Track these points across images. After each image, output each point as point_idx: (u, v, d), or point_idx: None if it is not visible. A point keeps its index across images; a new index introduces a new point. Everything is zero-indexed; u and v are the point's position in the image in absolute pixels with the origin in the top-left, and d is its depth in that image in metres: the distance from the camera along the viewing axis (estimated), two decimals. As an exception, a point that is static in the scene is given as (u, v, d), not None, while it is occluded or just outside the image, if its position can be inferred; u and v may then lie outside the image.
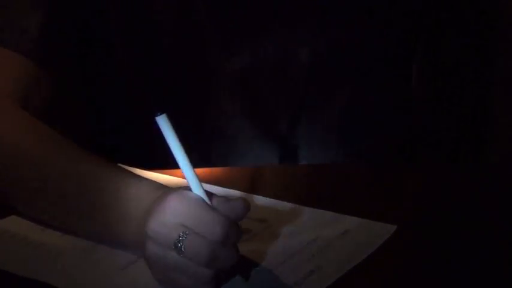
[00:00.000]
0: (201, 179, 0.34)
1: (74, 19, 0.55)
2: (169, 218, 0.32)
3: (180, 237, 0.31)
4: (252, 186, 0.49)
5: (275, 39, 0.59)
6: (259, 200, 0.47)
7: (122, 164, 0.48)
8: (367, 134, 0.64)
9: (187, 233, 0.31)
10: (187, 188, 0.34)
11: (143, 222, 0.33)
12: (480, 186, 0.52)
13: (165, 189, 0.35)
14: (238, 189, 0.48)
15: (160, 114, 0.33)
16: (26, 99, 0.51)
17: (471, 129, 0.79)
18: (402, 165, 0.64)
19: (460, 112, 0.82)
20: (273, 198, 0.47)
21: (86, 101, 0.64)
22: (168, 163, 0.38)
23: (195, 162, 0.35)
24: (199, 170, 0.51)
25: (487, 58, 0.86)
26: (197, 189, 0.34)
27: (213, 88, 0.59)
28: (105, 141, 0.63)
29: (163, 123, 0.33)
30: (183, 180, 0.36)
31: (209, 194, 0.34)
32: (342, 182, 0.53)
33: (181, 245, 0.31)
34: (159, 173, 0.49)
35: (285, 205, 0.46)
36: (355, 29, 0.61)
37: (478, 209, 0.47)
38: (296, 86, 0.61)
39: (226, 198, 0.34)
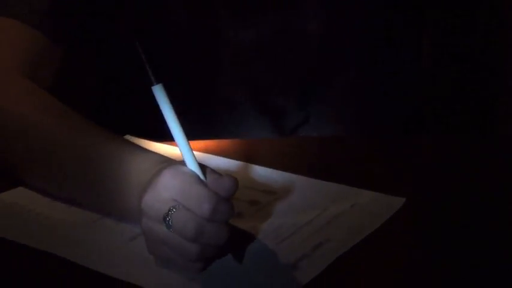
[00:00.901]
0: (206, 150, 0.34)
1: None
2: (161, 192, 0.32)
3: (169, 211, 0.31)
4: (260, 158, 0.49)
5: (284, 11, 0.58)
6: (267, 171, 0.47)
7: (131, 135, 0.48)
8: (376, 107, 0.64)
9: (176, 207, 0.31)
10: (184, 163, 0.34)
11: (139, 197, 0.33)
12: (489, 157, 0.52)
13: (164, 164, 0.35)
14: (245, 161, 0.48)
15: (157, 84, 0.33)
16: (35, 70, 0.51)
17: (481, 101, 0.78)
18: (411, 137, 0.64)
19: (469, 85, 0.81)
20: (282, 170, 0.47)
21: (94, 72, 0.64)
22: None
23: (200, 133, 0.34)
24: (205, 142, 0.51)
25: (495, 30, 0.85)
26: (191, 164, 0.33)
27: (223, 59, 0.59)
28: (114, 113, 0.63)
29: (159, 93, 0.33)
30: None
31: (204, 169, 0.34)
32: (351, 155, 0.52)
33: (169, 219, 0.31)
34: (168, 144, 0.49)
35: (293, 177, 0.46)
36: (364, 2, 0.60)
37: (487, 181, 0.46)
38: (306, 59, 0.60)
39: (219, 175, 0.33)
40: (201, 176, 0.33)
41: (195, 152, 0.34)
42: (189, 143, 0.34)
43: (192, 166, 0.33)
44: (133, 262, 0.35)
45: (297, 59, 0.60)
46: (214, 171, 0.34)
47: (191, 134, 0.34)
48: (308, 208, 0.41)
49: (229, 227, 0.32)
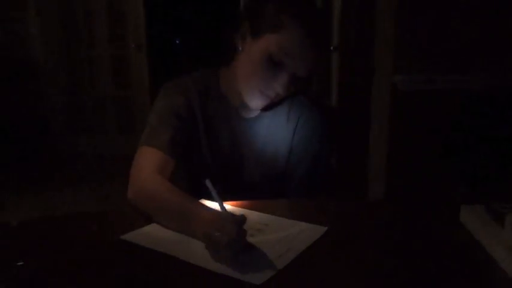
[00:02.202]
0: (232, 206, 0.85)
1: (184, 138, 1.09)
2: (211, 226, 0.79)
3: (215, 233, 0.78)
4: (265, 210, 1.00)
5: None
6: (264, 215, 0.97)
7: (204, 198, 0.99)
8: None
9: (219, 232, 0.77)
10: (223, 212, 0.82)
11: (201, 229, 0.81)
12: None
13: (211, 214, 0.84)
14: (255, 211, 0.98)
15: (206, 179, 0.84)
16: (162, 172, 1.03)
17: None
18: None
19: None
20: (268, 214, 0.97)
21: (187, 172, 1.19)
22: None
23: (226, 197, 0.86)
24: (232, 202, 1.01)
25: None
26: (224, 210, 0.83)
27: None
28: (196, 188, 1.12)
29: (209, 184, 0.84)
30: (227, 206, 0.87)
31: (230, 213, 0.82)
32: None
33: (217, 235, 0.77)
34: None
35: (272, 218, 0.95)
36: None
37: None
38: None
39: (238, 215, 0.80)
40: (230, 216, 0.82)
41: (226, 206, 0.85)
42: (223, 203, 0.84)
43: (225, 212, 0.83)
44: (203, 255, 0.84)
45: None
46: (235, 213, 0.83)
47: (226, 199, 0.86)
48: (280, 232, 0.89)
49: (244, 241, 0.79)
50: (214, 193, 0.84)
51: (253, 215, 0.96)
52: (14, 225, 0.92)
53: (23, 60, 3.77)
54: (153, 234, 0.90)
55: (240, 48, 1.08)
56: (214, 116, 1.14)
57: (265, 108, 1.12)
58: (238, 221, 0.78)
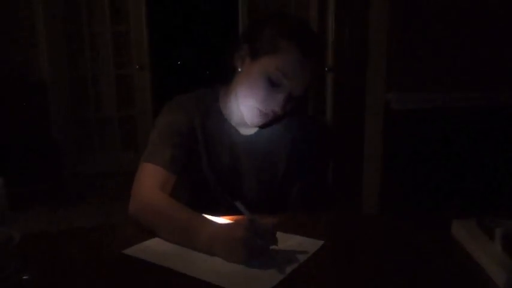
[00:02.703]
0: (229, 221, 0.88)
1: (184, 155, 1.13)
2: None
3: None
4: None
5: None
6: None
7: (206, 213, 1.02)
8: None
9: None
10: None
11: (209, 242, 0.86)
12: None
13: (219, 225, 0.89)
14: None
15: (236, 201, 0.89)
16: (164, 188, 1.07)
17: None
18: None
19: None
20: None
21: (187, 188, 1.22)
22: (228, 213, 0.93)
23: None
24: (228, 217, 1.04)
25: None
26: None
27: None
28: (196, 203, 1.15)
29: (239, 205, 0.88)
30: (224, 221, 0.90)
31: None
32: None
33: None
34: (222, 217, 1.03)
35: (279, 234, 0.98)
36: None
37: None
38: None
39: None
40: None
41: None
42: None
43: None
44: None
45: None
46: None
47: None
48: (283, 241, 0.91)
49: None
50: (246, 212, 0.90)
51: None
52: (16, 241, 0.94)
53: (28, 79, 3.83)
54: (154, 249, 0.92)
55: (240, 69, 1.13)
56: (214, 133, 1.18)
57: (264, 126, 1.16)
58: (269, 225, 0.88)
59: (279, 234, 0.96)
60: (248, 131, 1.20)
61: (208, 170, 1.17)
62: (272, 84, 1.06)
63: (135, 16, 4.20)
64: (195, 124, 1.16)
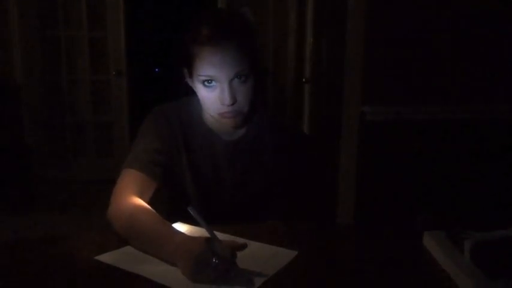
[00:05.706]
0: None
1: (164, 160, 1.14)
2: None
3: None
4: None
5: None
6: (237, 239, 0.99)
7: (180, 222, 1.01)
8: None
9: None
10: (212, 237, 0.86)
11: (174, 253, 0.85)
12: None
13: (185, 238, 0.88)
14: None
15: (189, 206, 0.87)
16: (142, 195, 1.07)
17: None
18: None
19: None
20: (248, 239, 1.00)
21: (169, 195, 1.23)
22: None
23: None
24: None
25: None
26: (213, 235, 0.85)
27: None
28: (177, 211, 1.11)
29: (192, 210, 0.86)
30: (199, 229, 0.89)
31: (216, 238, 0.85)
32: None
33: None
34: (192, 225, 1.02)
35: (244, 241, 0.98)
36: None
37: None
38: None
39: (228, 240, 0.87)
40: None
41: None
42: (210, 227, 0.86)
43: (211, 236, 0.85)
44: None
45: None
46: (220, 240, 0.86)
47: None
48: (251, 256, 0.91)
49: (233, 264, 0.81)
50: (200, 219, 0.86)
51: (224, 239, 0.98)
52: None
53: (2, 84, 3.74)
54: (127, 256, 0.92)
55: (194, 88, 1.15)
56: (196, 141, 1.19)
57: (243, 123, 1.16)
58: (231, 245, 0.87)
59: (252, 244, 0.97)
60: (231, 137, 1.20)
61: (189, 176, 1.19)
62: (209, 87, 1.07)
63: (112, 22, 4.17)
64: (176, 131, 1.17)
